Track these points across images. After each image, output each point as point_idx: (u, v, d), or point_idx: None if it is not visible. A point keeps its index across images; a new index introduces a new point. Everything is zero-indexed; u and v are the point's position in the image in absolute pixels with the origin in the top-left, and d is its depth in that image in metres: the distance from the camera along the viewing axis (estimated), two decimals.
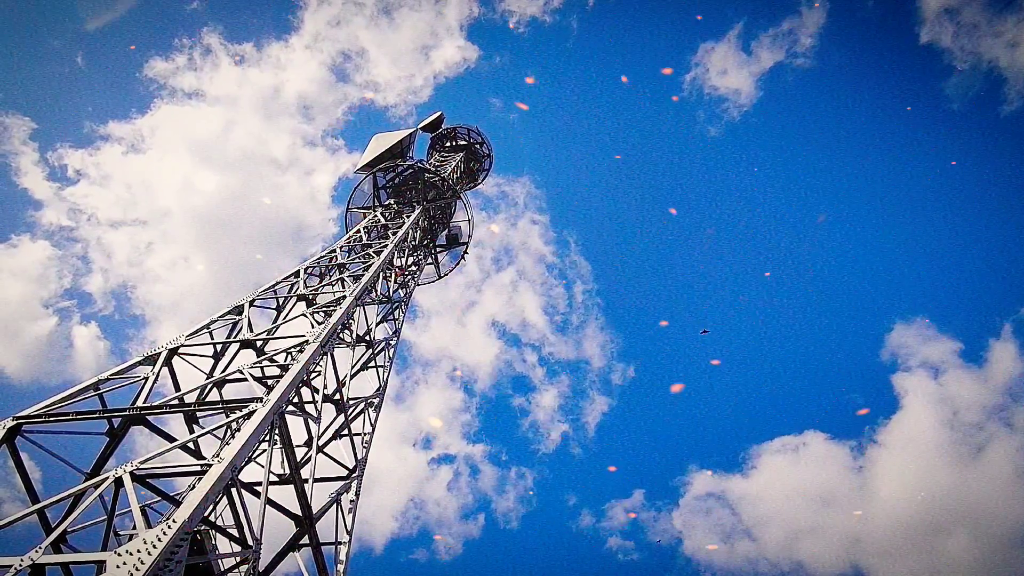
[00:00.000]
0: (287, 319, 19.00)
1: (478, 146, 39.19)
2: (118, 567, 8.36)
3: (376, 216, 28.61)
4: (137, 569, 8.34)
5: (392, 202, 30.84)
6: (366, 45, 71.60)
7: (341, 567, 15.27)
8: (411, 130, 34.59)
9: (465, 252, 33.58)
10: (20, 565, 8.91)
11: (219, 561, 13.10)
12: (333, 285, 21.33)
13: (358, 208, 31.66)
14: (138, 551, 8.63)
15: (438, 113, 38.54)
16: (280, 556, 14.79)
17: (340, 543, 15.83)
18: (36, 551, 9.13)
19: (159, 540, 8.82)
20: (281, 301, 20.19)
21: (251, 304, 18.69)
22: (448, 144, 38.98)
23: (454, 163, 36.04)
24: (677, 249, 68.39)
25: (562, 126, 74.74)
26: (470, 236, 33.85)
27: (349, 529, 16.25)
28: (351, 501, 17.03)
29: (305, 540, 14.66)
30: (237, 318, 18.13)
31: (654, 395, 62.52)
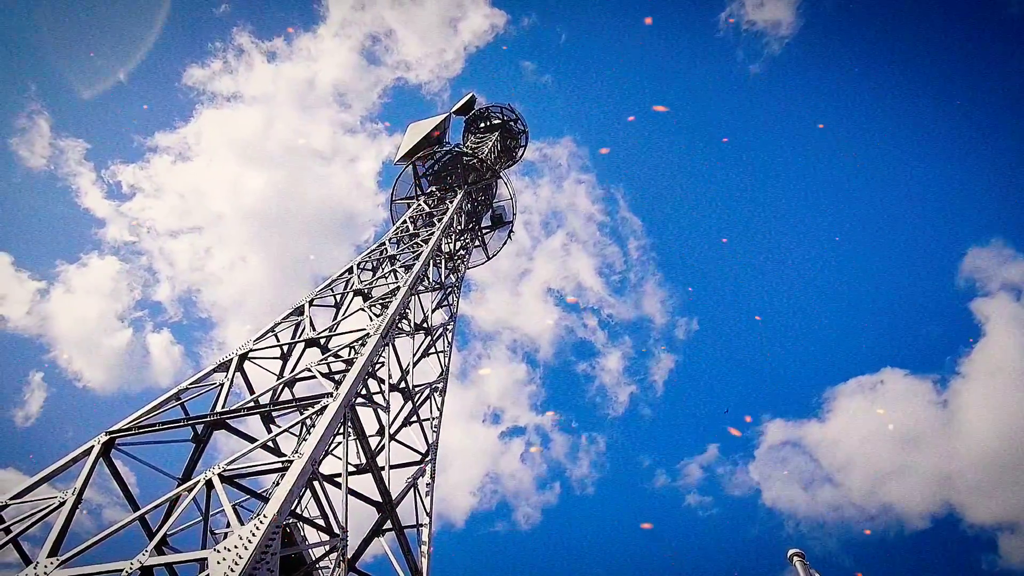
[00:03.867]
0: (346, 315, 19.50)
1: (512, 123, 39.01)
2: (219, 563, 8.86)
3: (420, 205, 28.92)
4: (236, 564, 8.82)
5: (434, 189, 31.10)
6: (393, 25, 71.81)
7: (424, 548, 15.76)
8: (444, 115, 34.69)
9: (511, 231, 33.67)
10: (131, 568, 9.52)
11: (310, 551, 13.70)
12: (387, 277, 21.74)
13: (402, 199, 32.05)
14: (235, 547, 9.12)
15: (469, 95, 38.49)
16: (366, 542, 15.37)
17: (421, 525, 16.33)
18: (143, 554, 9.74)
19: (253, 535, 9.30)
20: (338, 298, 20.71)
21: (311, 304, 19.25)
22: (482, 124, 38.93)
23: (490, 143, 36.02)
24: (731, 187, 66.53)
25: (598, 81, 73.41)
26: (514, 215, 33.87)
27: (428, 511, 16.73)
28: (427, 484, 17.51)
29: (388, 525, 15.17)
30: (299, 318, 18.70)
31: (721, 346, 61.61)
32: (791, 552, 9.88)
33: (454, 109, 37.46)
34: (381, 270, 22.67)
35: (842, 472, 50.42)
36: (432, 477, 17.79)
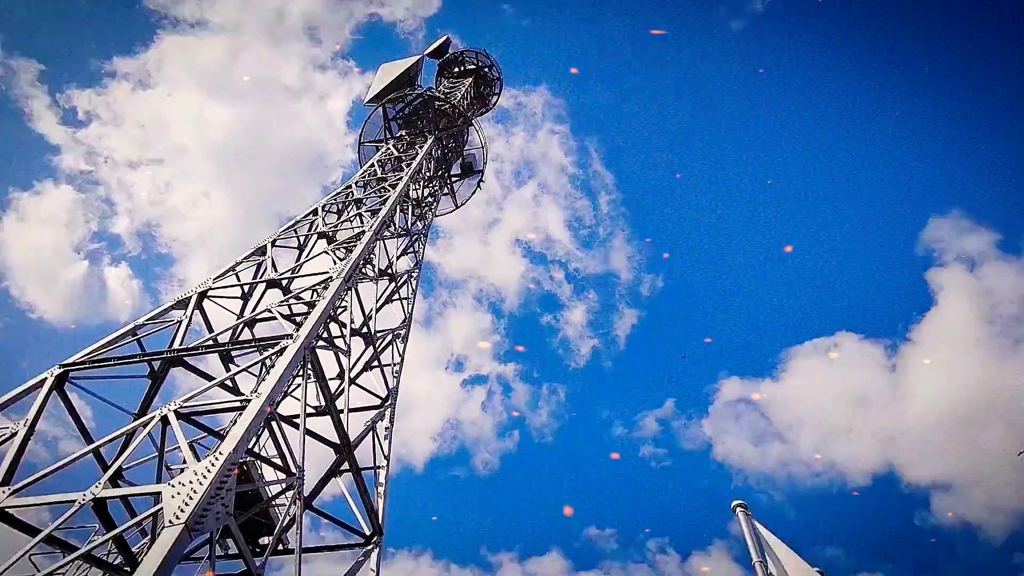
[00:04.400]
0: (310, 257, 19.26)
1: (487, 69, 38.24)
2: (173, 497, 8.91)
3: (389, 149, 28.39)
4: (191, 498, 8.87)
5: (403, 133, 30.51)
6: None
7: (381, 488, 16.04)
8: (417, 57, 33.80)
9: (481, 180, 33.35)
10: (84, 499, 9.52)
11: (266, 488, 13.83)
12: (352, 221, 21.45)
13: (370, 142, 31.40)
14: (190, 482, 9.16)
15: (444, 37, 37.52)
16: (323, 481, 15.56)
17: (379, 467, 16.58)
18: (96, 486, 9.73)
19: (208, 471, 9.34)
20: (302, 240, 20.41)
21: (273, 244, 18.94)
22: (456, 70, 38.08)
23: (464, 89, 35.31)
24: (703, 150, 66.63)
25: (578, 28, 72.02)
26: (485, 163, 33.53)
27: (386, 454, 16.97)
28: (386, 428, 17.71)
29: (345, 466, 15.36)
30: (261, 258, 18.42)
31: (684, 304, 62.60)
32: (735, 504, 10.27)
33: (427, 51, 36.53)
34: (346, 213, 22.35)
35: (792, 430, 52.49)
36: (391, 421, 17.99)
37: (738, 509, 10.03)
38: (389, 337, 20.61)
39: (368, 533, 15.13)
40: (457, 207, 33.33)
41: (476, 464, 56.60)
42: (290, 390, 16.27)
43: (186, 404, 11.56)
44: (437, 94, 32.57)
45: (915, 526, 49.06)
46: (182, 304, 15.80)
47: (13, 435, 11.53)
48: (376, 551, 14.96)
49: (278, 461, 13.87)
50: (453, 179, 32.66)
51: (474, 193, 33.39)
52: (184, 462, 10.38)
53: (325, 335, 16.38)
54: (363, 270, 20.02)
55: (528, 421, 56.94)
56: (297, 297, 16.75)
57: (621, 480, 54.81)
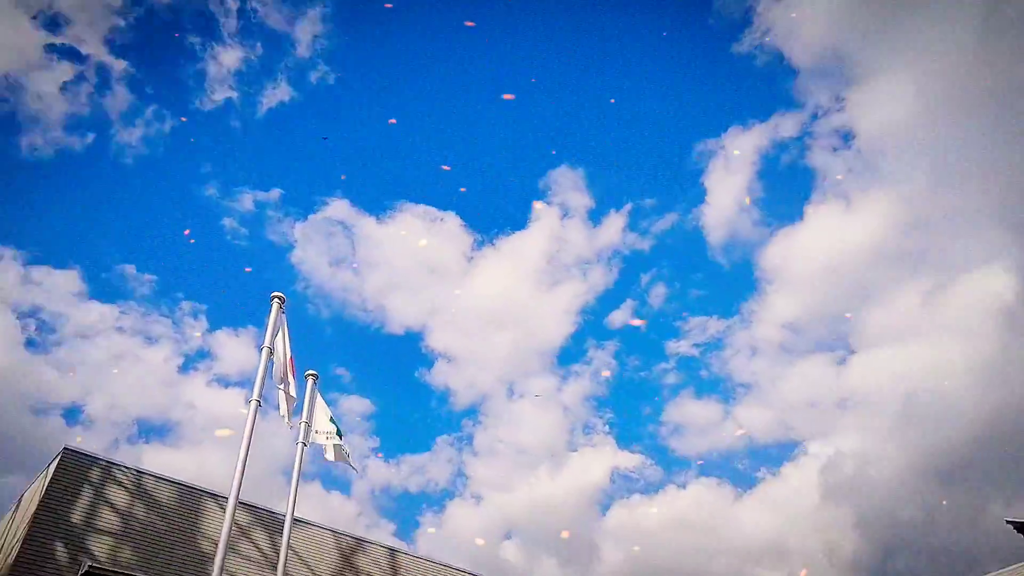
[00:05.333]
0: None
1: None
2: None
3: None
4: None
5: None
6: None
7: None
8: None
9: None
10: None
11: None
12: None
13: None
14: None
15: None
16: None
17: None
18: None
19: None
20: None
21: None
22: None
23: None
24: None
25: None
26: None
27: None
28: None
29: None
30: None
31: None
32: (275, 294, 11.07)
33: None
34: None
35: (369, 268, 56.53)
36: None
37: (276, 300, 10.86)
38: None
39: None
40: None
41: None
42: None
43: None
44: None
45: (412, 369, 58.99)
46: None
47: None
48: None
49: None
50: None
51: None
52: None
53: None
54: None
55: (116, 132, 49.12)
56: None
57: (189, 239, 52.30)
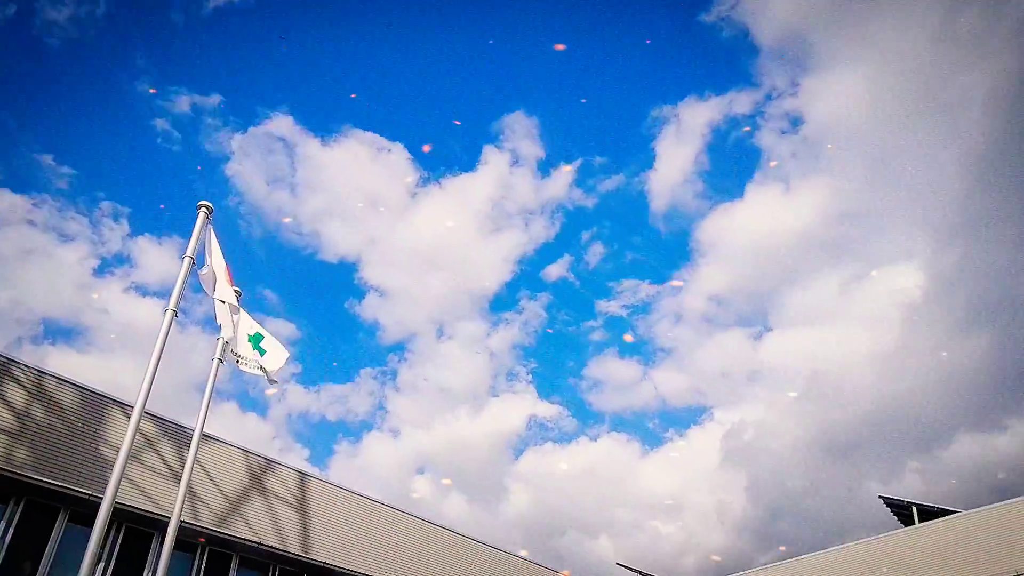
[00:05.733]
0: None
1: None
2: None
3: None
4: None
5: None
6: None
7: None
8: None
9: None
10: None
11: None
12: None
13: None
14: None
15: None
16: None
17: None
18: None
19: None
20: None
21: None
22: None
23: None
24: None
25: None
26: None
27: None
28: None
29: None
30: None
31: None
32: (202, 203, 10.60)
33: None
34: None
35: (307, 188, 54.67)
36: None
37: (203, 209, 10.40)
38: None
39: None
40: None
41: None
42: None
43: None
44: None
45: (343, 299, 58.24)
46: None
47: None
48: None
49: None
50: None
51: None
52: None
53: None
54: None
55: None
56: None
57: (121, 140, 49.17)
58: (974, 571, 17.43)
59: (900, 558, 19.06)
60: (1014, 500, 17.81)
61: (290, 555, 14.02)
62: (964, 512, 18.86)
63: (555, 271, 57.84)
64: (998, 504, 18.06)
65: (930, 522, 19.58)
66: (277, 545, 13.88)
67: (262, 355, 11.07)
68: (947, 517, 19.22)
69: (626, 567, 31.98)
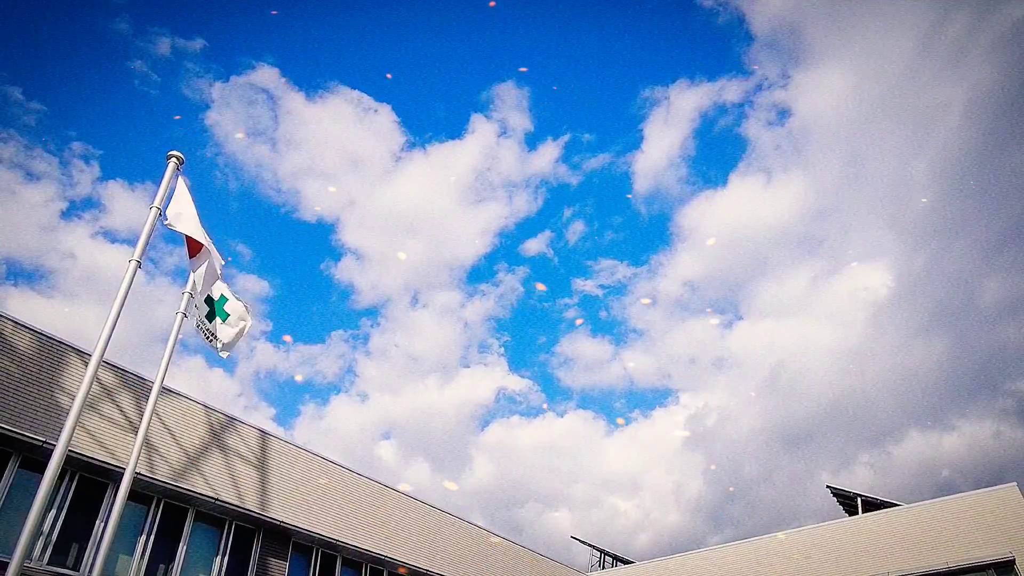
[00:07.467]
0: None
1: None
2: None
3: None
4: None
5: None
6: None
7: None
8: None
9: None
10: None
11: None
12: None
13: None
14: None
15: None
16: None
17: None
18: None
19: None
20: None
21: None
22: None
23: None
24: None
25: None
26: None
27: None
28: None
29: None
30: None
31: None
32: (172, 152, 10.40)
33: None
34: None
35: (291, 146, 53.83)
36: None
37: (173, 159, 10.21)
38: None
39: None
40: None
41: None
42: None
43: None
44: None
45: (319, 260, 57.60)
46: None
47: None
48: None
49: None
50: None
51: None
52: None
53: None
54: None
55: None
56: None
57: (95, 78, 47.62)
58: (907, 562, 18.20)
59: (839, 545, 19.82)
60: (949, 497, 18.59)
61: (247, 512, 14.06)
62: (905, 506, 19.63)
63: (533, 246, 57.86)
64: (936, 499, 18.83)
65: (871, 513, 20.35)
66: (234, 501, 13.90)
67: (224, 320, 10.90)
68: (888, 510, 19.99)
69: (581, 541, 32.58)
